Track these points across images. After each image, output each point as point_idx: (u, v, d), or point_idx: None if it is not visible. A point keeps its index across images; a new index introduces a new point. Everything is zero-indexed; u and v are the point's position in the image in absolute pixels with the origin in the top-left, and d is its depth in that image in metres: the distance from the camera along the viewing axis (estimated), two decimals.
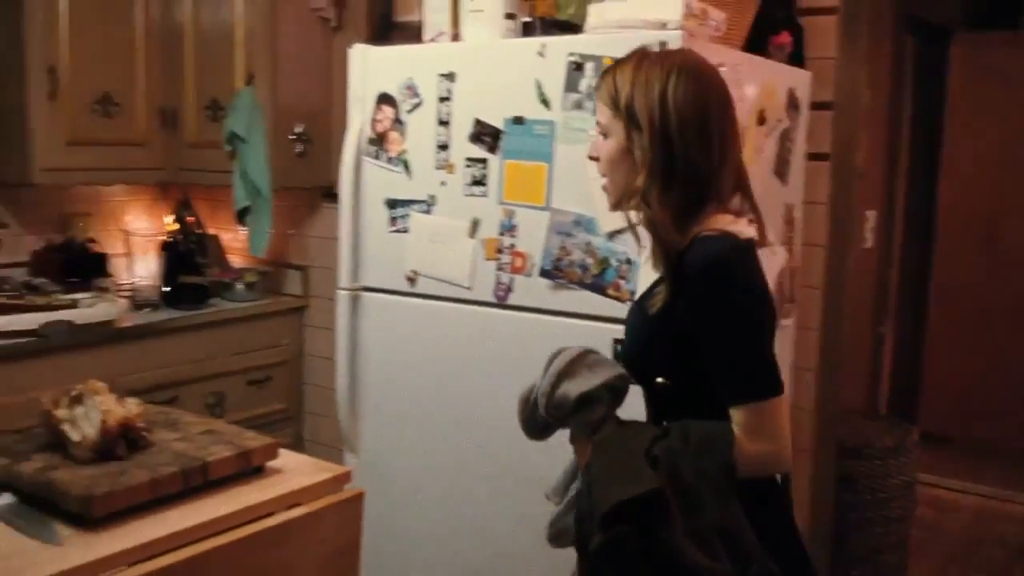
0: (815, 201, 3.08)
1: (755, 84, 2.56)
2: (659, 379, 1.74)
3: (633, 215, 1.76)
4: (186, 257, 3.80)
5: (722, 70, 2.33)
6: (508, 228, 2.53)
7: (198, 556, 1.65)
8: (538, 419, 1.78)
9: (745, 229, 1.68)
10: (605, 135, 1.75)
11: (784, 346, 2.96)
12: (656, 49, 1.79)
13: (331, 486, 1.94)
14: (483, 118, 2.55)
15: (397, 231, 2.77)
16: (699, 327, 1.64)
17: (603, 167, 1.77)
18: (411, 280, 2.76)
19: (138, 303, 3.66)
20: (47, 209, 3.83)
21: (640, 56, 1.74)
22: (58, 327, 3.21)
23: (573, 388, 1.71)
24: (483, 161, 2.56)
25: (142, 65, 3.74)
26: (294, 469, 1.98)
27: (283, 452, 2.02)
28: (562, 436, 1.81)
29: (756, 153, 2.58)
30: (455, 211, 2.64)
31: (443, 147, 2.65)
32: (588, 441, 1.72)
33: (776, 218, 2.77)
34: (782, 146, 2.75)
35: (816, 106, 2.99)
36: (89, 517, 1.63)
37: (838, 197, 3.13)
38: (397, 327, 2.80)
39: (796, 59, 2.91)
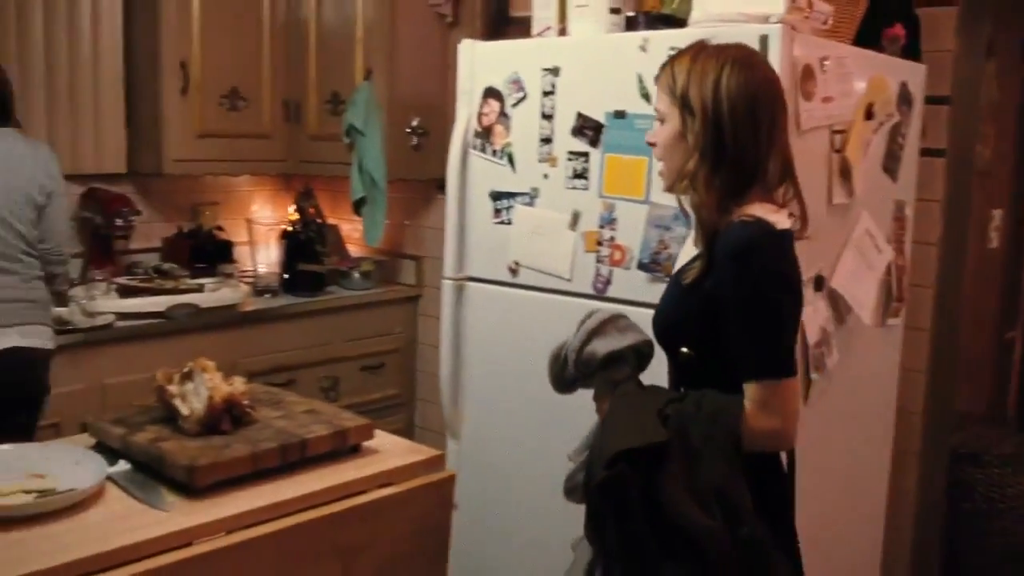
0: (929, 199, 3.00)
1: (863, 78, 2.52)
2: (684, 349, 1.84)
3: (684, 197, 1.88)
4: (306, 245, 3.96)
5: (826, 64, 2.34)
6: (608, 221, 2.56)
7: (292, 527, 1.74)
8: (566, 374, 1.94)
9: (781, 220, 1.76)
10: (662, 121, 1.86)
11: (890, 345, 2.91)
12: (714, 43, 1.86)
13: (423, 468, 2.01)
14: (585, 112, 2.58)
15: (501, 222, 2.83)
16: (723, 305, 1.74)
17: (659, 151, 1.88)
18: (513, 271, 2.81)
19: (259, 289, 3.82)
20: (178, 198, 4.05)
21: (698, 48, 1.84)
22: (184, 309, 3.39)
23: (601, 346, 1.86)
24: (585, 155, 2.59)
25: (268, 60, 3.91)
26: (389, 450, 2.05)
27: (379, 433, 2.09)
28: None
29: (863, 148, 2.53)
30: (557, 204, 2.68)
31: (546, 140, 2.69)
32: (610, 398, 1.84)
33: (884, 215, 2.72)
34: (892, 141, 2.70)
35: (931, 100, 2.91)
36: (193, 486, 1.73)
37: (954, 195, 3.05)
38: (499, 317, 2.86)
39: (911, 52, 2.84)
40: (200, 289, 3.53)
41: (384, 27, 3.73)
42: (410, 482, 1.96)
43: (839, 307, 2.52)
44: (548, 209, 2.70)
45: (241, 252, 4.06)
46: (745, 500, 1.70)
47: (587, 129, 2.58)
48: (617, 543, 1.73)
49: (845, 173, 2.47)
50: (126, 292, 3.41)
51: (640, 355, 1.90)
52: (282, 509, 1.75)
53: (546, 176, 2.70)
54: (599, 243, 2.59)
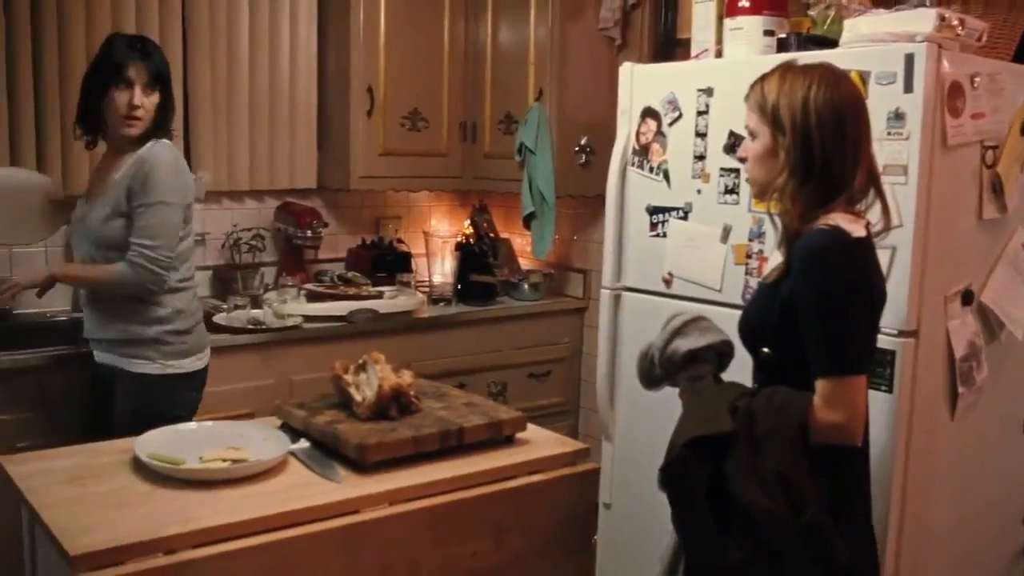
0: None
1: (1020, 93, 2.53)
2: (765, 349, 1.96)
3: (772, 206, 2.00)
4: (479, 258, 4.18)
5: (976, 80, 2.38)
6: (756, 235, 2.66)
7: (446, 504, 1.95)
8: (653, 373, 2.07)
9: (858, 228, 1.85)
10: (753, 137, 1.99)
11: None
12: (801, 63, 1.98)
13: (569, 459, 2.18)
14: (737, 130, 2.69)
15: (656, 235, 2.96)
16: (798, 306, 1.85)
17: (751, 166, 2.01)
18: (667, 281, 2.94)
19: (434, 298, 4.07)
20: (362, 212, 4.37)
21: (785, 68, 1.96)
22: (365, 314, 3.66)
23: (683, 345, 2.00)
24: (736, 171, 2.70)
25: (447, 84, 4.17)
26: (539, 441, 2.23)
27: (531, 426, 2.27)
28: None
29: (1016, 163, 2.54)
30: (709, 218, 2.80)
31: (700, 158, 2.82)
32: None
33: None
34: None
35: None
36: (362, 463, 1.96)
37: None
38: (653, 325, 2.96)
39: None
40: (380, 296, 3.80)
41: (555, 50, 3.91)
42: (556, 471, 2.13)
43: (990, 322, 2.53)
44: (701, 223, 2.82)
45: (419, 263, 4.32)
46: (808, 488, 1.79)
47: (739, 146, 2.69)
48: (678, 523, 1.87)
49: (997, 188, 2.48)
50: (313, 297, 3.71)
51: (719, 354, 2.02)
52: (438, 487, 1.96)
53: (699, 191, 2.83)
54: (748, 255, 2.69)
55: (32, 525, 1.90)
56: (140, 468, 1.94)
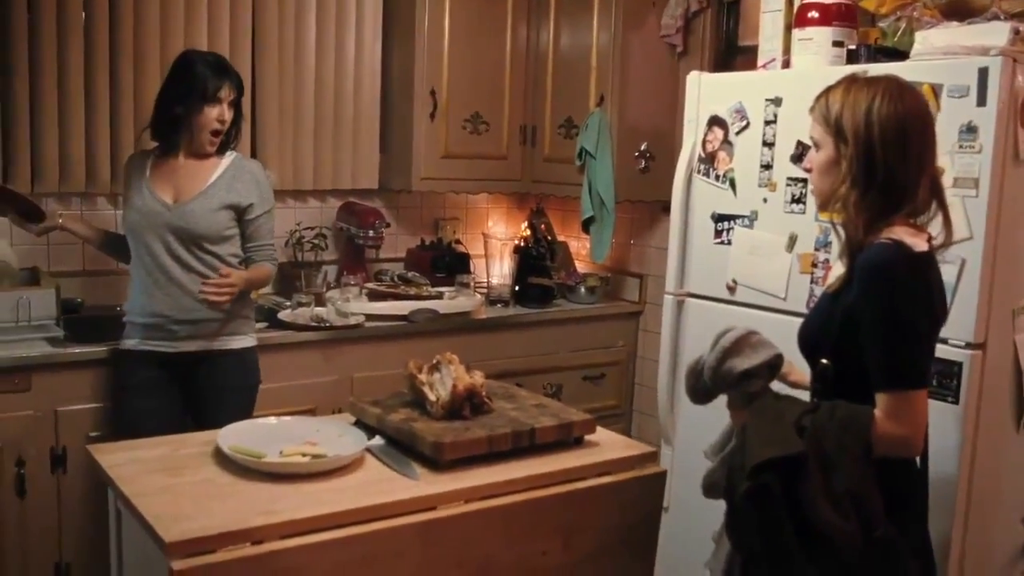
0: None
1: None
2: (824, 360, 1.96)
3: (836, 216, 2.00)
4: (536, 260, 4.23)
5: None
6: (823, 244, 2.68)
7: (520, 503, 1.99)
8: (703, 387, 2.08)
9: (919, 243, 1.86)
10: (817, 148, 2.00)
11: None
12: (865, 75, 1.99)
13: (638, 462, 2.22)
14: (804, 140, 2.70)
15: (721, 243, 2.99)
16: (860, 318, 1.86)
17: (815, 176, 2.03)
18: (731, 289, 2.97)
19: (492, 299, 4.12)
20: (422, 213, 4.43)
21: (850, 80, 1.97)
22: (424, 314, 3.71)
23: (738, 363, 2.00)
24: (803, 180, 2.72)
25: (508, 88, 4.22)
26: (608, 444, 2.27)
27: (600, 429, 2.31)
28: None
29: None
30: (775, 226, 2.82)
31: (766, 167, 2.84)
32: (744, 408, 1.99)
33: None
34: None
35: None
36: (438, 460, 2.01)
37: None
38: (716, 332, 3.00)
39: None
40: (440, 296, 3.86)
41: (617, 56, 3.94)
42: (625, 473, 2.17)
43: None
44: (766, 231, 2.85)
45: (477, 264, 4.37)
46: (877, 504, 1.81)
47: (805, 157, 2.71)
48: (763, 546, 1.87)
49: None
50: (374, 296, 3.77)
51: (772, 368, 2.03)
52: (512, 486, 2.00)
53: (765, 200, 2.85)
54: (814, 265, 2.71)
55: (119, 512, 1.97)
56: (223, 460, 2.00)
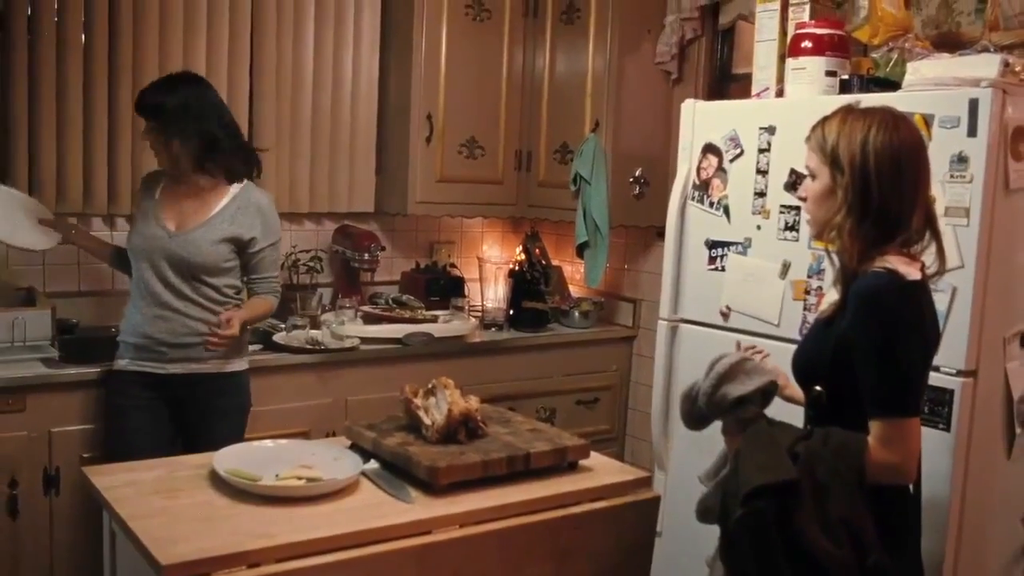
0: None
1: None
2: (817, 388, 1.99)
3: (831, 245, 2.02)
4: (530, 284, 4.25)
5: None
6: (815, 271, 2.70)
7: (514, 527, 2.00)
8: (698, 413, 2.10)
9: (912, 272, 1.88)
10: (813, 177, 2.03)
11: None
12: (861, 106, 2.01)
13: (632, 487, 2.23)
14: (798, 168, 2.73)
15: (715, 269, 3.01)
16: (853, 346, 1.89)
17: (810, 205, 2.05)
18: (724, 315, 2.98)
19: (486, 323, 4.13)
20: (418, 236, 4.45)
21: (846, 110, 2.00)
22: (419, 337, 3.72)
23: (732, 390, 2.03)
24: (796, 208, 2.74)
25: (504, 113, 4.25)
26: (602, 469, 2.28)
27: (594, 454, 2.32)
28: None
29: None
30: (768, 253, 2.84)
31: (760, 194, 2.86)
32: (739, 434, 2.00)
33: None
34: None
35: None
36: (434, 484, 2.02)
37: None
38: (709, 356, 3.00)
39: None
40: (434, 320, 3.87)
41: (612, 83, 3.98)
42: (619, 498, 2.18)
43: None
44: (760, 258, 2.87)
45: (471, 288, 4.38)
46: (870, 531, 1.83)
47: (799, 185, 2.73)
48: (756, 572, 1.88)
49: None
50: (369, 319, 3.78)
51: (766, 395, 2.05)
52: (507, 511, 2.02)
53: (759, 227, 2.87)
54: (807, 292, 2.73)
55: (114, 534, 1.97)
56: (218, 482, 2.01)
